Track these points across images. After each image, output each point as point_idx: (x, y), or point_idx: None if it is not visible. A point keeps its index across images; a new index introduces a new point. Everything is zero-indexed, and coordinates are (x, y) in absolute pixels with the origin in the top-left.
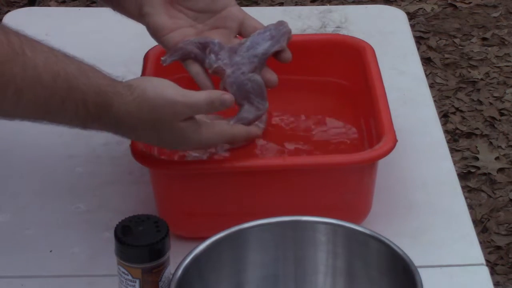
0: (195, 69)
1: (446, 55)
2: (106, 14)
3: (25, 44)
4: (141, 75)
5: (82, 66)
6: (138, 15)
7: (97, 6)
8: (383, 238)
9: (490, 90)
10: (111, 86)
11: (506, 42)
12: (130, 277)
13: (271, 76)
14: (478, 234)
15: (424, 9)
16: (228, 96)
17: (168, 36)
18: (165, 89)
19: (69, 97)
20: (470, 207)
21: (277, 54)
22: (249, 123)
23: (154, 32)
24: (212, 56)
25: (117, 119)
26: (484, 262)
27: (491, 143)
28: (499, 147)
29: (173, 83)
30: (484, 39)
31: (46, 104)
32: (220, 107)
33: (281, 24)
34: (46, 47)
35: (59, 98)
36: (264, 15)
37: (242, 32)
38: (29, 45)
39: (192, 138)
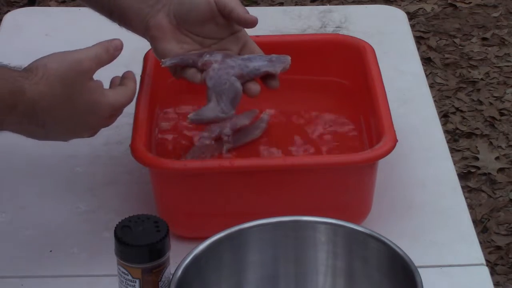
0: (191, 71)
1: (446, 55)
2: None
3: None
4: (141, 75)
5: None
6: (144, 34)
7: None
8: (383, 238)
9: (490, 90)
10: (18, 72)
11: (506, 42)
12: (130, 277)
13: (254, 86)
14: (478, 234)
15: (424, 9)
16: (117, 40)
17: None
18: (64, 55)
19: None
20: (470, 207)
21: (266, 77)
22: (207, 121)
23: (161, 55)
24: (207, 55)
25: (33, 102)
26: (484, 262)
27: (491, 143)
28: (499, 147)
29: (67, 51)
30: (484, 39)
31: None
32: (115, 52)
33: (284, 56)
34: None
35: None
36: (264, 15)
37: (241, 53)
38: None
39: (102, 102)
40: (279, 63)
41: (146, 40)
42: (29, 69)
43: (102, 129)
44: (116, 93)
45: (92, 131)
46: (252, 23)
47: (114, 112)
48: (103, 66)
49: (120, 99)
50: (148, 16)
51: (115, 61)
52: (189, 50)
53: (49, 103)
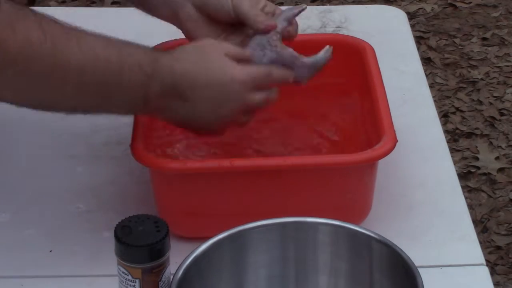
0: None
1: (446, 55)
2: (106, 14)
3: (76, 28)
4: None
5: (122, 40)
6: (173, 21)
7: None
8: (385, 240)
9: (490, 90)
10: (150, 48)
11: (506, 42)
12: (130, 277)
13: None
14: (478, 234)
15: (424, 9)
16: None
17: None
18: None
19: (124, 63)
20: (470, 207)
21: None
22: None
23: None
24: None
25: (168, 68)
26: (484, 262)
27: (491, 143)
28: (499, 147)
29: None
30: (484, 39)
31: (105, 78)
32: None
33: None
34: (90, 30)
35: (116, 67)
36: None
37: None
38: (78, 29)
39: (234, 74)
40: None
41: (146, 40)
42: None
43: (102, 129)
44: (248, 67)
45: (236, 106)
46: (267, 28)
47: (252, 82)
48: (234, 51)
49: (255, 67)
50: (176, 6)
51: None
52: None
53: (184, 67)
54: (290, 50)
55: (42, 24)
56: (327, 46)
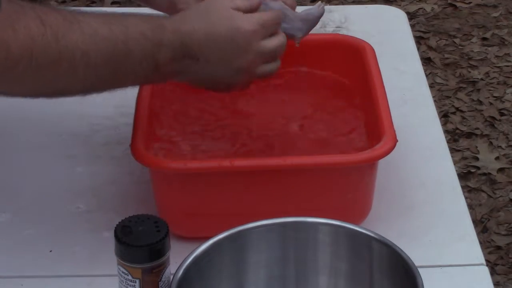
0: None
1: (446, 55)
2: None
3: (76, 13)
4: None
5: (124, 12)
6: (168, 10)
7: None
8: (385, 240)
9: (490, 90)
10: (153, 14)
11: (506, 42)
12: (130, 277)
13: None
14: (478, 234)
15: (424, 9)
16: None
17: None
18: None
19: (128, 36)
20: (470, 207)
21: None
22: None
23: None
24: None
25: (174, 31)
26: (484, 262)
27: (491, 143)
28: (499, 147)
29: None
30: (484, 39)
31: (113, 56)
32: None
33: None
34: (92, 11)
35: (121, 43)
36: None
37: None
38: (79, 13)
39: (240, 24)
40: None
41: None
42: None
43: (102, 129)
44: (252, 15)
45: (246, 62)
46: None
47: (263, 30)
48: (243, 5)
49: (264, 14)
50: None
51: None
52: None
53: (191, 25)
54: (280, 2)
55: (41, 16)
56: (319, 1)
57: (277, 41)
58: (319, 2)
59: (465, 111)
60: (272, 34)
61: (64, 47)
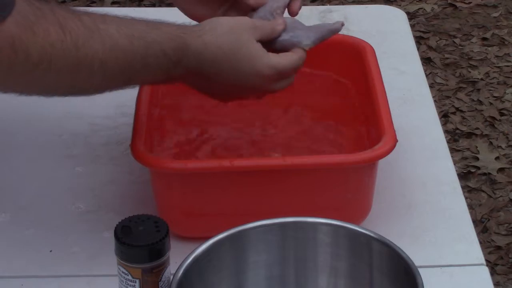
0: None
1: (446, 55)
2: None
3: (97, 19)
4: None
5: (149, 22)
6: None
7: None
8: (385, 240)
9: (490, 90)
10: (181, 29)
11: (506, 42)
12: (130, 277)
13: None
14: (478, 234)
15: (424, 9)
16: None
17: None
18: (235, 17)
19: (148, 52)
20: (470, 207)
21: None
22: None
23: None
24: None
25: (196, 55)
26: (484, 262)
27: (491, 143)
28: (499, 147)
29: None
30: (484, 39)
31: (130, 67)
32: (278, 27)
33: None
34: (114, 16)
35: (139, 57)
36: None
37: None
38: (100, 19)
39: (264, 60)
40: None
41: None
42: (198, 25)
43: (102, 129)
44: (279, 57)
45: (256, 92)
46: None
47: (278, 76)
48: (265, 37)
49: (283, 62)
50: None
51: None
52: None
53: (214, 54)
54: (292, 18)
55: (61, 21)
56: (338, 21)
57: (284, 84)
58: (338, 21)
59: (465, 111)
60: (285, 77)
61: (84, 55)
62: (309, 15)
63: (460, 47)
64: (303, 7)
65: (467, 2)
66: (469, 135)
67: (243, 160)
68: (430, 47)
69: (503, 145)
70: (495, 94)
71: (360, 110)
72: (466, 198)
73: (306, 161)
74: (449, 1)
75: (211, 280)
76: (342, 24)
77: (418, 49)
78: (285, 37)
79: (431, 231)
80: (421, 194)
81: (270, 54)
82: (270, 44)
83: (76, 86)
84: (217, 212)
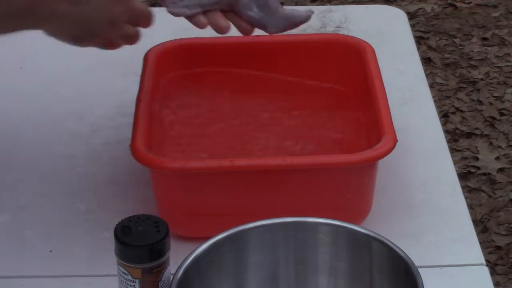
0: None
1: (446, 55)
2: None
3: None
4: (141, 75)
5: None
6: None
7: None
8: (385, 240)
9: (490, 90)
10: None
11: (506, 42)
12: (130, 277)
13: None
14: (478, 234)
15: (424, 9)
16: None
17: None
18: None
19: None
20: (470, 207)
21: None
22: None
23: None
24: None
25: None
26: (484, 262)
27: (491, 143)
28: (499, 147)
29: None
30: (484, 39)
31: None
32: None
33: None
34: None
35: None
36: None
37: None
38: None
39: None
40: None
41: (146, 40)
42: None
43: (102, 129)
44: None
45: (111, 25)
46: None
47: (130, 12)
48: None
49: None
50: None
51: (115, 61)
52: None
53: None
54: None
55: None
56: (310, 10)
57: (133, 30)
58: (309, 9)
59: (465, 111)
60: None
61: None
62: None
63: (460, 47)
64: (303, 7)
65: (467, 2)
66: (469, 135)
67: (243, 160)
68: (430, 47)
69: (503, 145)
70: (495, 94)
71: (360, 110)
72: (466, 198)
73: (306, 161)
74: (449, 1)
75: (211, 280)
76: (312, 12)
77: (418, 49)
78: (255, 15)
79: (431, 231)
80: (421, 194)
81: None
82: (239, 12)
83: None
84: (217, 212)
